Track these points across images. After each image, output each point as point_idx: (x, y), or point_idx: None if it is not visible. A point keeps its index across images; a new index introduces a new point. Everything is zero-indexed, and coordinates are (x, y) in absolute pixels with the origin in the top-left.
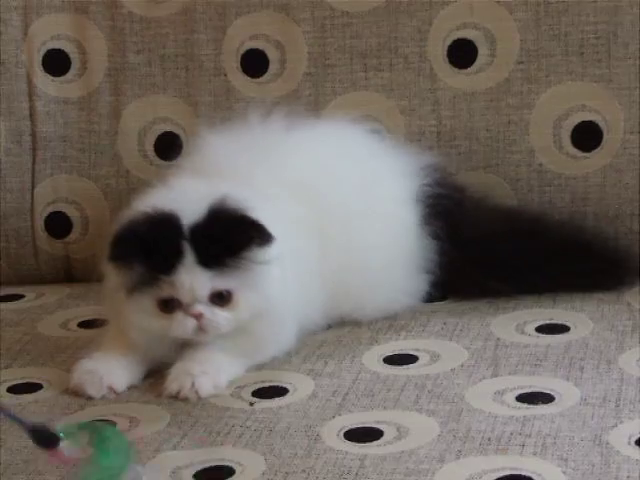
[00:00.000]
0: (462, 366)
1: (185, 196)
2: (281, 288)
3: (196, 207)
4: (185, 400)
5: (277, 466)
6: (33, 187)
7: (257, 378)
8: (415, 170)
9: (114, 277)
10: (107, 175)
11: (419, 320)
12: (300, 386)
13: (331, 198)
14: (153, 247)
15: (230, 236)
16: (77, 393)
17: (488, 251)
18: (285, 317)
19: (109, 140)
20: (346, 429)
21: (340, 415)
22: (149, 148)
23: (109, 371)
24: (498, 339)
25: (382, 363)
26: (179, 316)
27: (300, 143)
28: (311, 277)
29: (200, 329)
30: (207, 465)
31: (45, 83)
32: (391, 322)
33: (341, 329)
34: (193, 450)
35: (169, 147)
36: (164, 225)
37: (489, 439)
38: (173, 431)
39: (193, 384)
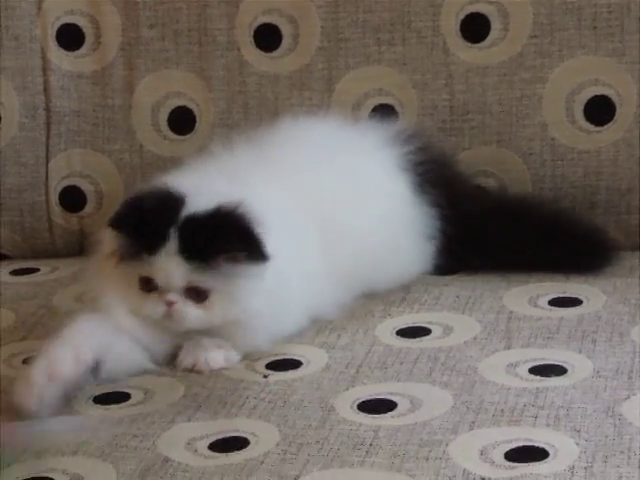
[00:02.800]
0: (475, 339)
1: (204, 185)
2: (264, 301)
3: (206, 200)
4: (199, 373)
5: (291, 437)
6: (47, 161)
7: (271, 351)
8: (397, 141)
9: (110, 243)
10: (121, 149)
11: (432, 293)
12: (313, 359)
13: (322, 188)
14: (145, 224)
15: (223, 240)
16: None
17: (474, 228)
18: (261, 326)
19: (123, 115)
20: (360, 401)
21: (354, 387)
22: (162, 122)
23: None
24: (511, 312)
25: (395, 336)
26: (153, 298)
27: (286, 138)
28: (317, 269)
29: (169, 316)
30: (222, 436)
31: (59, 58)
32: (404, 295)
33: (353, 303)
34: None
35: (182, 122)
36: (163, 206)
37: (502, 411)
38: (188, 403)
39: (206, 357)
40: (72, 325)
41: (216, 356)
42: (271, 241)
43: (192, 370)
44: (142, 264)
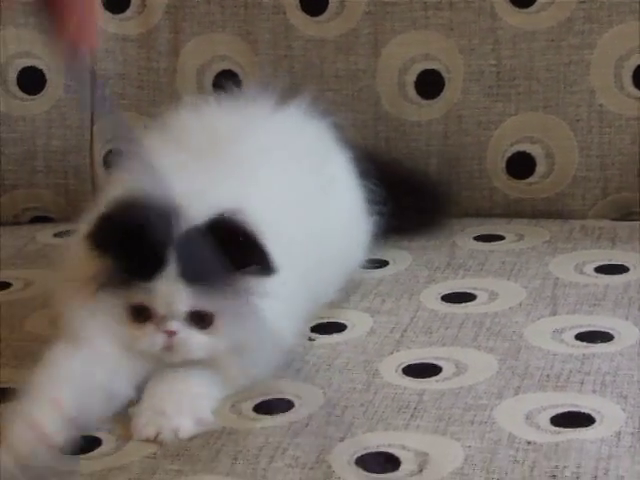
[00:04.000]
0: (520, 305)
1: (193, 188)
2: (275, 321)
3: (201, 208)
4: (161, 443)
5: (336, 399)
6: (92, 124)
7: (316, 314)
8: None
9: (87, 265)
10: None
11: (477, 259)
12: (358, 323)
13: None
14: (136, 245)
15: (228, 254)
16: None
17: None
18: (271, 348)
19: (168, 78)
20: (404, 365)
21: (398, 351)
22: (208, 86)
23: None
24: (557, 279)
25: (440, 301)
26: (149, 329)
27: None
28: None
29: (169, 348)
30: (266, 398)
31: (105, 20)
32: (449, 261)
33: (398, 267)
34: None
35: (227, 85)
36: (157, 221)
37: (548, 376)
38: None
39: (172, 427)
40: (46, 370)
41: (183, 422)
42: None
43: (154, 440)
44: (134, 291)
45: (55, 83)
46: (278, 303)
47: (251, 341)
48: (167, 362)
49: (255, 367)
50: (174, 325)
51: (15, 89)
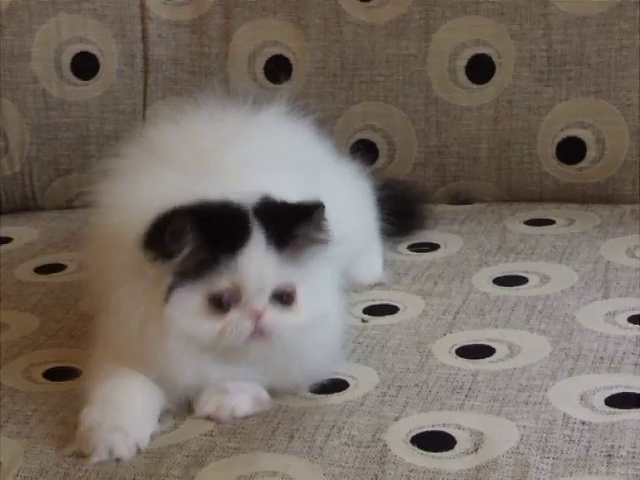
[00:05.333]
0: (572, 288)
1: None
2: (334, 295)
3: (243, 197)
4: (219, 421)
5: (390, 380)
6: (144, 109)
7: (367, 297)
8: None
9: (148, 275)
10: None
11: (528, 243)
12: (410, 305)
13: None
14: (216, 223)
15: (297, 218)
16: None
17: None
18: (336, 331)
19: (219, 63)
20: (458, 346)
21: (451, 333)
22: (259, 71)
23: (132, 422)
24: (608, 262)
25: (492, 284)
26: (234, 315)
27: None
28: None
29: (259, 332)
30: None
31: (157, 6)
32: (500, 244)
33: (449, 251)
34: None
35: (279, 71)
36: (224, 205)
37: (601, 358)
38: None
39: (230, 404)
40: (117, 403)
41: (241, 402)
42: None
43: (211, 418)
44: (215, 276)
45: (108, 68)
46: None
47: (325, 314)
48: (248, 358)
49: (323, 347)
50: (261, 303)
51: (69, 74)
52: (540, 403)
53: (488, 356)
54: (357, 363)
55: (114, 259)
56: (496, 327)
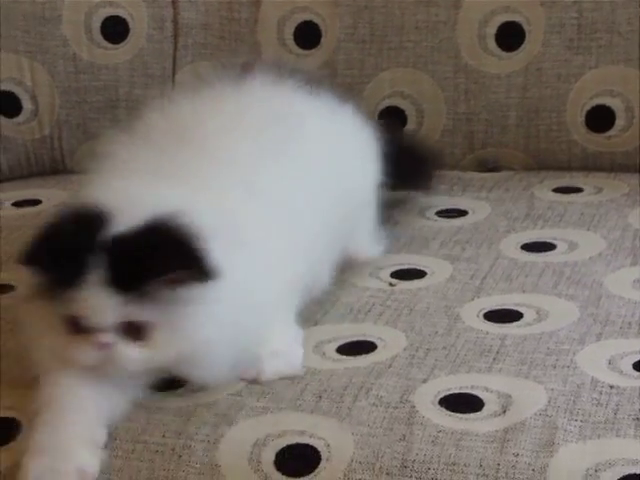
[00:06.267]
0: (600, 255)
1: (130, 194)
2: (221, 329)
3: (136, 212)
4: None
5: (418, 343)
6: (174, 73)
7: (395, 260)
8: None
9: (27, 282)
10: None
11: (556, 210)
12: (438, 269)
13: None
14: (61, 255)
15: (158, 261)
16: None
17: None
18: (222, 356)
19: (249, 28)
20: (485, 310)
21: (479, 297)
22: (288, 37)
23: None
24: (636, 230)
25: (520, 250)
26: (83, 342)
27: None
28: (298, 263)
29: (105, 362)
30: (349, 340)
31: None
32: (527, 211)
33: (477, 217)
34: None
35: (308, 36)
36: (81, 229)
37: (630, 324)
38: (315, 309)
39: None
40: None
41: (272, 365)
42: (224, 256)
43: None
44: (64, 302)
45: (138, 32)
46: (222, 307)
47: (194, 349)
48: (102, 375)
49: (217, 367)
50: (106, 337)
51: (99, 38)
52: (568, 367)
53: (516, 320)
54: (385, 326)
55: None
56: (524, 292)
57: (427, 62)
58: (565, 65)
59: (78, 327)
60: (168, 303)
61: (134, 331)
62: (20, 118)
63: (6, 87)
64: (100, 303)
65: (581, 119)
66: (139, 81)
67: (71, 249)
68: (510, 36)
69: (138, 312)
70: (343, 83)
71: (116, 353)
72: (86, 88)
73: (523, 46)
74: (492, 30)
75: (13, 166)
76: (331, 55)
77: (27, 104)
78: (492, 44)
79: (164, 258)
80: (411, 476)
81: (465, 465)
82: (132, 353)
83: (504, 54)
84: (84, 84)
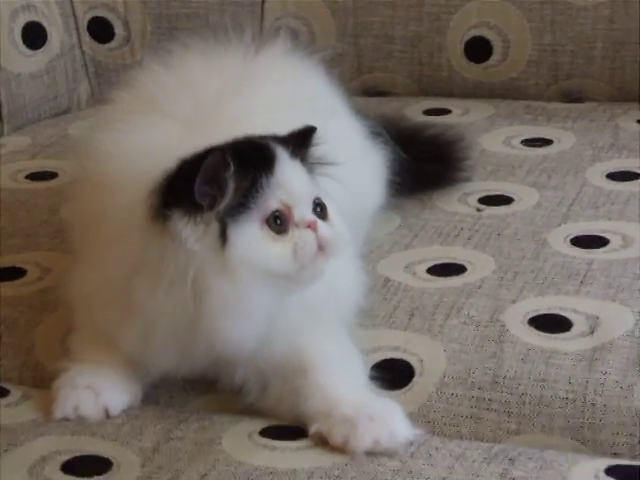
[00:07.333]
0: None
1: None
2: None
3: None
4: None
5: (507, 266)
6: (263, 1)
7: (482, 187)
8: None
9: (184, 235)
10: None
11: None
12: (525, 196)
13: None
14: (244, 152)
15: (304, 140)
16: (61, 415)
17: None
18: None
19: None
20: (572, 236)
21: (565, 223)
22: None
23: (107, 386)
24: None
25: (605, 178)
26: (293, 234)
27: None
28: None
29: (321, 250)
30: (439, 262)
31: None
32: (612, 142)
33: (562, 146)
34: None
35: None
36: (242, 139)
37: None
38: (404, 232)
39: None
40: (97, 364)
41: (371, 433)
42: None
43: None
44: (263, 201)
45: None
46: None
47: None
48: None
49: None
50: (313, 215)
51: None
52: None
53: (602, 246)
54: (474, 250)
55: (109, 213)
56: (609, 219)
57: None
58: None
59: (282, 223)
60: (319, 183)
61: (318, 211)
62: (113, 44)
63: (99, 13)
64: (301, 178)
65: None
66: (229, 9)
67: (252, 143)
68: None
69: (317, 189)
70: (430, 13)
71: (327, 232)
72: (177, 15)
73: None
74: None
75: (104, 90)
76: None
77: (119, 30)
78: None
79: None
80: (502, 391)
81: (555, 381)
82: (327, 230)
83: None
84: (175, 11)
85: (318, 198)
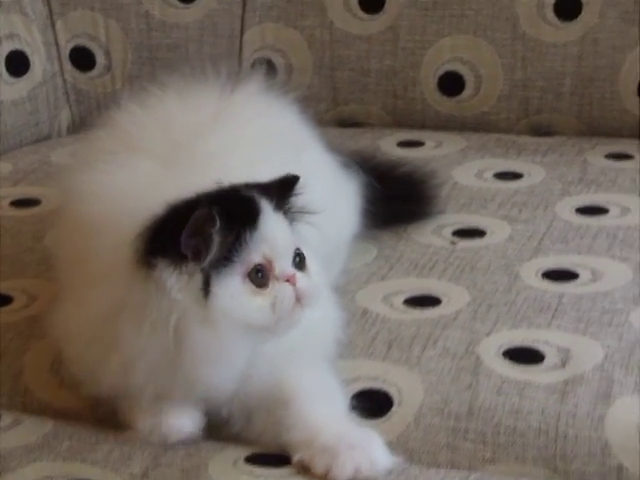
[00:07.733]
0: None
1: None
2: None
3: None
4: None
5: (480, 299)
6: (242, 34)
7: (455, 219)
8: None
9: (168, 284)
10: (312, 25)
11: (608, 176)
12: (497, 229)
13: None
14: (229, 205)
15: (285, 190)
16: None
17: None
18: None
19: None
20: (543, 270)
21: (537, 257)
22: (353, 1)
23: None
24: None
25: (574, 213)
26: (277, 286)
27: None
28: None
29: (298, 303)
30: (415, 294)
31: None
32: (581, 176)
33: (532, 180)
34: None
35: (372, 1)
36: (226, 189)
37: None
38: (380, 264)
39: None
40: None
41: (353, 462)
42: None
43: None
44: (246, 255)
45: None
46: None
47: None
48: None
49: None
50: (291, 269)
51: None
52: (623, 325)
53: (572, 280)
54: (449, 282)
55: (94, 253)
56: (579, 253)
57: (486, 29)
58: (620, 36)
59: (263, 277)
60: (299, 233)
61: (297, 263)
62: (94, 72)
63: (81, 42)
64: (283, 232)
65: (634, 88)
66: (208, 40)
67: (237, 196)
68: (568, 6)
69: (296, 241)
70: (405, 48)
71: (305, 284)
72: (157, 45)
73: (580, 17)
74: (551, 0)
75: (85, 118)
76: (394, 20)
77: (101, 59)
78: (550, 14)
79: (292, 192)
80: (477, 421)
81: (528, 413)
82: (305, 283)
83: (561, 24)
84: (156, 41)
85: (298, 249)
